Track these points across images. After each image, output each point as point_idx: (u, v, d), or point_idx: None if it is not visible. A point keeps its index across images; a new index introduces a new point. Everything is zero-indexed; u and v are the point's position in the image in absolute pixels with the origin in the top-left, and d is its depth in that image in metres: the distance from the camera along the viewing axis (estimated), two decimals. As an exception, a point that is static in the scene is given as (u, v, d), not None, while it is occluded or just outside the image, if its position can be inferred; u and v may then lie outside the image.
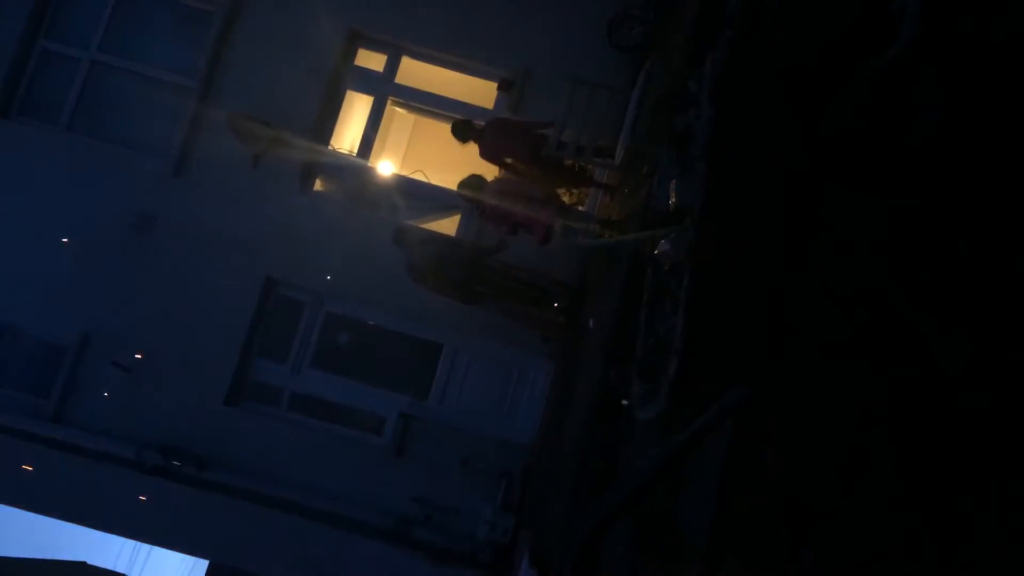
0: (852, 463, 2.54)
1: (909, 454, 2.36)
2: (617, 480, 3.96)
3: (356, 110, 9.11)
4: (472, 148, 7.47)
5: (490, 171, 8.30)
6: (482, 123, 7.61)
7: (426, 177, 8.77)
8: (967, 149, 2.60)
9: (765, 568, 2.88)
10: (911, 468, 2.35)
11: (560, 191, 7.81)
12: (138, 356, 8.04)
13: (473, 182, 7.29)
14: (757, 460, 3.07)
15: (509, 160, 7.47)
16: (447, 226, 8.76)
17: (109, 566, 18.45)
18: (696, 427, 2.63)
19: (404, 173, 9.04)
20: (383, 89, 8.85)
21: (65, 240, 8.06)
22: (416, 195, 8.72)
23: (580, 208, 8.09)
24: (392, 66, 8.83)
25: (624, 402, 3.65)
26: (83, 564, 14.93)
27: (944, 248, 2.53)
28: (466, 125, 7.54)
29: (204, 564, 21.00)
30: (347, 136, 9.14)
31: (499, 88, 8.61)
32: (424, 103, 8.96)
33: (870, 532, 2.45)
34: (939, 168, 2.64)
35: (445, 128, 7.67)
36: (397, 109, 9.52)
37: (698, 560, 3.27)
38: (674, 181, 3.21)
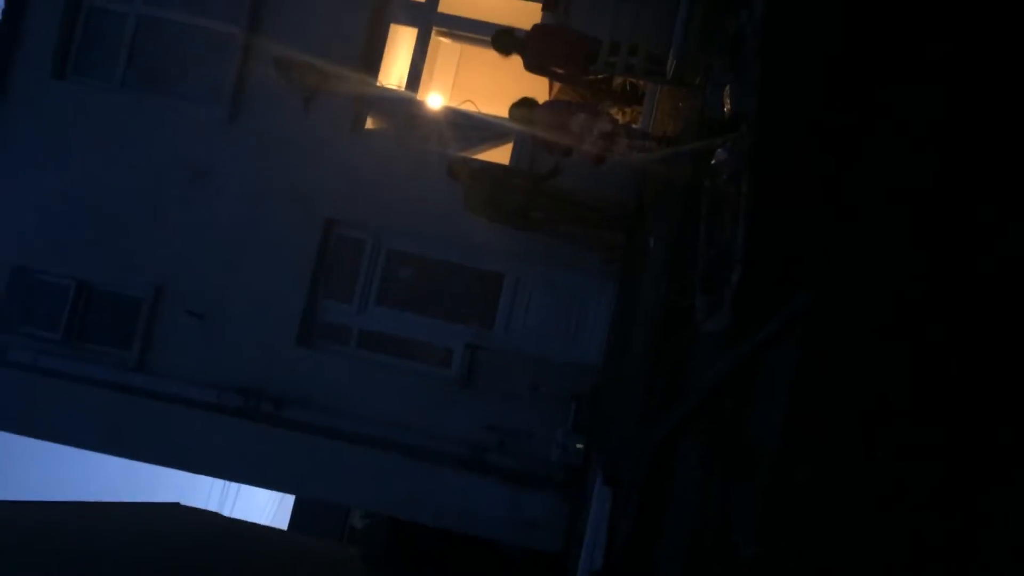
0: (921, 361, 2.49)
1: (979, 347, 2.31)
2: (685, 393, 3.96)
3: (401, 44, 9.04)
4: (519, 71, 7.30)
5: (541, 93, 8.18)
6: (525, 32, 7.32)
7: (476, 106, 8.69)
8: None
9: (839, 471, 2.87)
10: (982, 362, 2.30)
11: (613, 110, 7.67)
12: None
13: (524, 104, 7.14)
14: (827, 364, 3.04)
15: (559, 70, 7.20)
16: (500, 154, 8.70)
17: (201, 505, 19.31)
18: (761, 336, 2.60)
19: (453, 104, 8.98)
20: (427, 19, 8.74)
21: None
22: (467, 125, 8.66)
23: (634, 125, 7.94)
24: (434, -5, 8.71)
25: (691, 313, 3.62)
26: (176, 505, 15.64)
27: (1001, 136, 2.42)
28: (507, 35, 7.20)
29: (291, 498, 21.88)
30: (394, 71, 9.09)
31: (543, 8, 8.40)
32: (469, 30, 8.82)
33: (942, 429, 2.42)
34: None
35: (492, 55, 7.54)
36: (442, 39, 9.42)
37: (770, 467, 3.27)
38: (727, 87, 3.12)
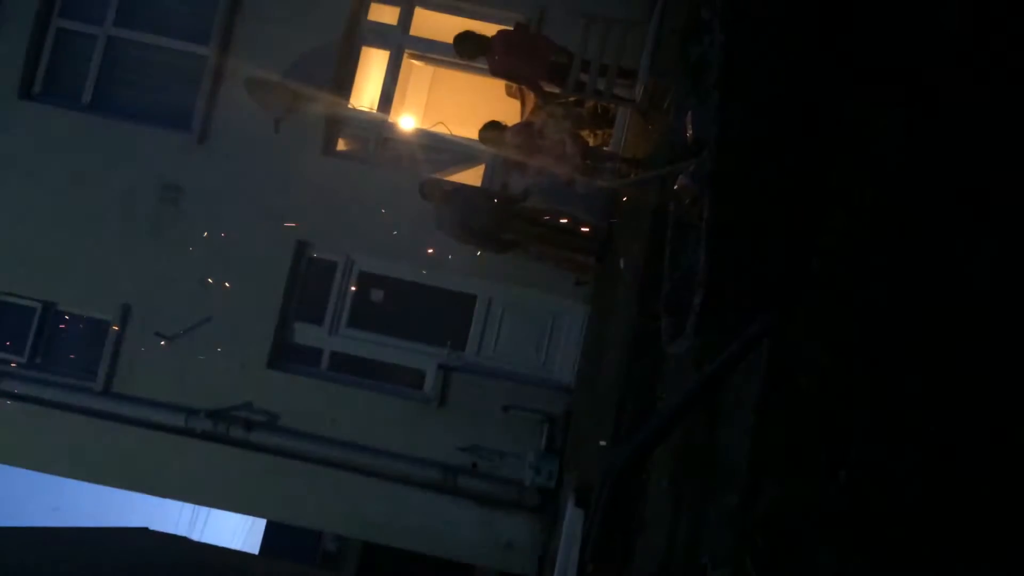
0: (885, 381, 2.53)
1: (945, 364, 2.34)
2: (652, 414, 3.98)
3: (373, 66, 9.06)
4: (492, 92, 7.34)
5: (513, 115, 8.23)
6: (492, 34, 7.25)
7: (448, 129, 8.72)
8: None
9: (804, 490, 2.90)
10: (944, 381, 2.34)
11: (583, 132, 7.73)
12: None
13: (493, 127, 7.20)
14: (792, 385, 3.07)
15: (522, 78, 7.15)
16: (473, 176, 8.73)
17: (171, 530, 19.04)
18: (723, 358, 2.62)
19: (426, 126, 9.00)
20: (398, 42, 8.77)
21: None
22: (439, 148, 8.68)
23: (605, 148, 8.01)
24: (406, 18, 8.75)
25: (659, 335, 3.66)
26: (145, 529, 15.42)
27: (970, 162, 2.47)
28: (470, 38, 7.15)
29: (262, 522, 21.62)
30: (366, 93, 9.11)
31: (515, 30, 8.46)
32: (441, 53, 8.86)
33: (905, 448, 2.44)
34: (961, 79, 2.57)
35: (464, 78, 7.61)
36: (414, 62, 9.45)
37: (739, 488, 3.29)
38: (690, 113, 3.16)
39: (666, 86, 5.69)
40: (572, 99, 7.48)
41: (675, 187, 3.25)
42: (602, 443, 5.53)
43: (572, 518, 5.72)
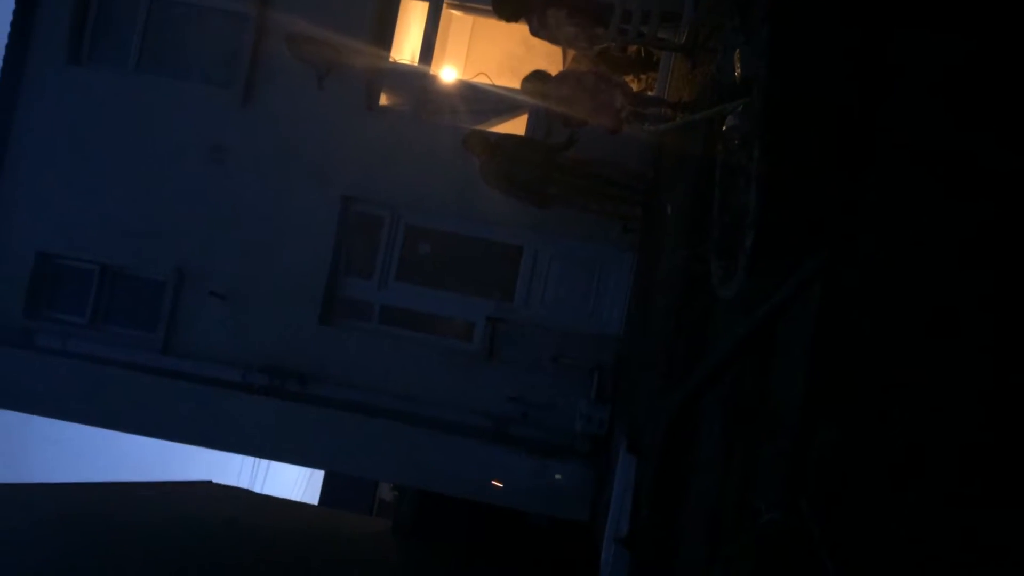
0: (939, 323, 2.47)
1: (1007, 309, 2.28)
2: (703, 358, 3.96)
3: (413, 18, 8.99)
4: (535, 43, 7.22)
5: (555, 64, 8.12)
6: None
7: (490, 79, 8.65)
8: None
9: (857, 434, 2.87)
10: (1003, 319, 2.28)
11: (627, 77, 7.60)
12: None
13: (536, 77, 7.09)
14: (846, 326, 3.02)
15: (564, 40, 7.00)
16: (516, 126, 8.67)
17: (232, 483, 19.61)
18: (774, 301, 2.59)
19: (467, 78, 8.94)
20: (437, -8, 8.68)
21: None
22: (481, 99, 8.63)
23: (649, 93, 7.87)
24: (444, -33, 8.65)
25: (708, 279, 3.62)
26: (209, 483, 15.91)
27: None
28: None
29: (320, 474, 22.16)
30: (407, 46, 9.06)
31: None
32: (480, 2, 8.75)
33: (961, 392, 2.40)
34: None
35: (505, 27, 7.49)
36: (454, 12, 9.35)
37: (792, 429, 3.27)
38: (738, 50, 3.09)
39: (712, 25, 5.55)
40: (615, 44, 7.33)
41: (723, 129, 3.19)
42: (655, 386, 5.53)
43: (624, 464, 5.75)
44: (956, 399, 2.46)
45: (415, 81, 8.67)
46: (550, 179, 7.27)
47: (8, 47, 8.56)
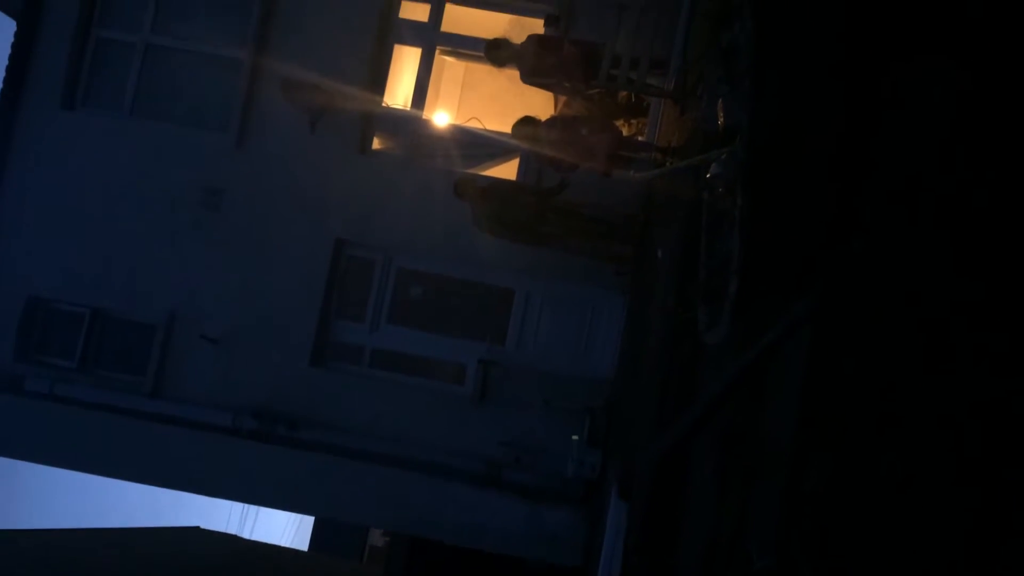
0: (930, 358, 2.48)
1: (992, 344, 2.29)
2: (689, 405, 3.96)
3: (406, 63, 9.11)
4: (526, 89, 7.30)
5: (547, 108, 8.21)
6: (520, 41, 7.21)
7: (481, 124, 8.73)
8: None
9: (850, 475, 2.86)
10: (997, 359, 2.28)
11: (618, 122, 7.69)
12: None
13: (526, 122, 7.17)
14: (836, 367, 3.03)
15: (554, 81, 7.14)
16: (507, 171, 8.73)
17: (221, 528, 19.36)
18: (762, 344, 2.60)
19: (459, 122, 9.02)
20: (430, 39, 8.80)
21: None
22: (473, 143, 8.69)
23: (639, 138, 7.96)
24: (437, 14, 8.77)
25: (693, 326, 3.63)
26: (196, 528, 15.70)
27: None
28: (500, 45, 7.16)
29: (310, 519, 21.91)
30: (400, 91, 9.16)
31: (545, 24, 8.42)
32: (472, 48, 8.88)
33: (951, 429, 2.40)
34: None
35: (496, 73, 7.58)
36: (446, 58, 9.48)
37: (784, 473, 3.26)
38: (721, 100, 3.13)
39: (698, 73, 5.63)
40: (605, 90, 7.44)
41: (708, 176, 3.23)
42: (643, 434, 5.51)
43: (616, 509, 5.71)
44: (949, 433, 2.46)
45: (408, 125, 8.75)
46: (543, 221, 7.32)
47: (3, 91, 8.62)
